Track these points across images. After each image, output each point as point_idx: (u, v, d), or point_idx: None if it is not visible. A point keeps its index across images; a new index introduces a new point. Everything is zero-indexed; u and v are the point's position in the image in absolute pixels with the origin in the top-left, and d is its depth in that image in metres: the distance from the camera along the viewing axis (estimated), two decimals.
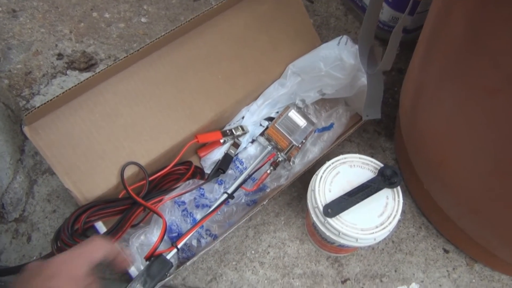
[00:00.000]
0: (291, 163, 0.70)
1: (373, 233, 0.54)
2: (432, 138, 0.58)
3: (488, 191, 0.52)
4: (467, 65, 0.46)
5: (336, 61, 0.67)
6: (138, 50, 0.59)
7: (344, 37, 0.70)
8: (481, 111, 0.46)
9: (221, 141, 0.70)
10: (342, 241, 0.56)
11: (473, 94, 0.46)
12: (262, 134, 0.71)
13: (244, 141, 0.72)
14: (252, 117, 0.72)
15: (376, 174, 0.57)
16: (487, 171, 0.50)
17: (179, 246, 0.60)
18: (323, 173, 0.58)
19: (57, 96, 0.55)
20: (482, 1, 0.41)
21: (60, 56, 0.85)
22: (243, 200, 0.68)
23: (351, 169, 0.59)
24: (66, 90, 0.56)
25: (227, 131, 0.71)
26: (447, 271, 0.68)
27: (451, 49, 0.49)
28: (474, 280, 0.68)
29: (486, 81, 0.43)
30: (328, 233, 0.56)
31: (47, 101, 0.55)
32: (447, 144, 0.56)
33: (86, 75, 0.83)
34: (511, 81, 0.40)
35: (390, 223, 0.55)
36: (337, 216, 0.55)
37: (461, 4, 0.45)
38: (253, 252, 0.68)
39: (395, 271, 0.68)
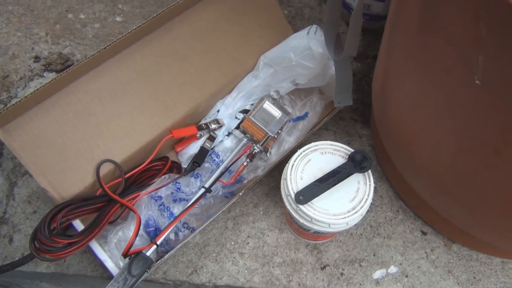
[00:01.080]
0: (267, 154, 0.71)
1: (345, 217, 0.55)
2: (400, 121, 0.59)
3: (454, 169, 0.53)
4: (424, 44, 0.47)
5: (305, 51, 0.68)
6: (105, 48, 0.60)
7: (314, 26, 0.70)
8: (440, 89, 0.47)
9: (197, 135, 0.71)
10: (316, 227, 0.56)
11: (432, 73, 0.47)
12: (237, 127, 0.72)
13: (220, 134, 0.73)
14: (227, 110, 0.73)
15: (347, 159, 0.58)
16: (451, 149, 0.51)
17: (158, 242, 0.60)
18: (294, 161, 0.59)
19: (26, 97, 0.56)
20: None
21: (37, 58, 0.86)
22: (220, 193, 0.68)
23: (323, 156, 0.59)
24: (35, 90, 0.56)
25: (203, 125, 0.71)
26: (425, 252, 0.69)
27: (410, 30, 0.49)
28: (452, 260, 0.69)
29: (442, 58, 0.44)
30: (301, 220, 0.57)
31: (17, 102, 0.55)
32: (413, 125, 0.57)
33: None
34: (463, 57, 0.41)
35: (362, 207, 0.56)
36: (309, 203, 0.56)
37: None
38: (232, 243, 0.69)
39: (374, 255, 0.69)
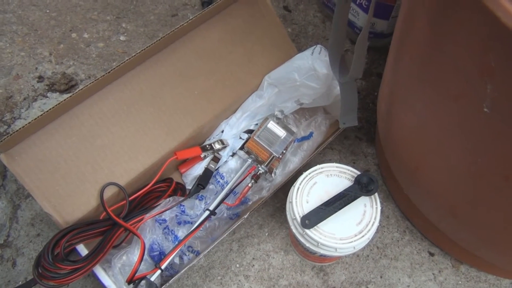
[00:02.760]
0: (272, 175, 0.71)
1: (352, 241, 0.55)
2: (406, 143, 0.59)
3: (462, 194, 0.52)
4: (432, 69, 0.46)
5: (309, 71, 0.68)
6: (110, 71, 0.59)
7: (318, 47, 0.70)
8: (448, 116, 0.46)
9: (202, 156, 0.71)
10: (322, 252, 0.56)
11: (439, 98, 0.47)
12: (242, 147, 0.71)
13: (224, 155, 0.72)
14: (231, 131, 0.73)
15: (353, 182, 0.58)
16: (460, 174, 0.50)
17: (163, 267, 0.60)
18: (300, 184, 0.58)
19: (30, 122, 0.55)
20: (441, 6, 0.41)
21: (40, 78, 0.86)
22: (225, 215, 0.68)
23: (328, 178, 0.59)
24: (39, 116, 0.56)
25: (207, 146, 0.71)
26: (433, 274, 0.68)
27: (417, 54, 0.49)
28: (460, 282, 0.68)
29: (449, 85, 0.44)
30: (307, 244, 0.56)
31: (21, 128, 0.55)
32: (420, 148, 0.56)
33: (66, 96, 0.83)
34: (471, 85, 0.40)
35: (369, 230, 0.55)
36: (316, 227, 0.55)
37: (423, 9, 0.45)
38: (237, 265, 0.68)
39: (381, 277, 0.68)
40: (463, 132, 0.45)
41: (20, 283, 0.67)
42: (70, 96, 0.58)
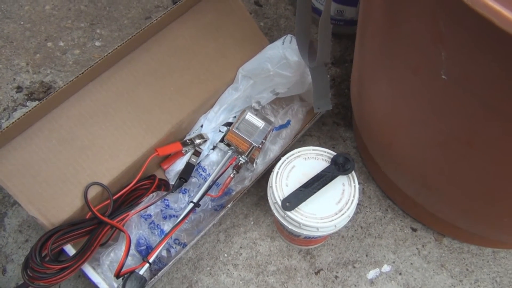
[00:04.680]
0: (254, 165, 0.72)
1: (332, 220, 0.56)
2: (378, 121, 0.60)
3: (432, 164, 0.54)
4: (391, 45, 0.48)
5: (281, 60, 0.69)
6: (83, 73, 0.60)
7: (288, 36, 0.72)
8: (411, 88, 0.48)
9: (183, 151, 0.72)
10: (305, 232, 0.57)
11: (401, 72, 0.48)
12: (222, 140, 0.73)
13: (205, 148, 0.73)
14: (210, 124, 0.74)
15: (330, 163, 0.59)
16: (427, 144, 0.52)
17: (150, 261, 0.61)
18: (278, 169, 0.59)
19: (7, 127, 0.56)
20: None
21: (19, 89, 0.86)
22: (209, 206, 0.69)
23: (306, 161, 0.60)
24: (16, 120, 0.57)
25: (187, 141, 0.72)
26: (417, 248, 0.70)
27: (377, 31, 0.51)
28: (444, 254, 0.70)
29: (408, 58, 0.45)
30: (290, 226, 0.57)
31: None
32: (390, 124, 0.58)
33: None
34: (427, 55, 0.42)
35: (349, 208, 0.57)
36: (297, 209, 0.56)
37: None
38: (226, 255, 0.69)
39: (366, 255, 0.70)
40: (426, 102, 0.47)
41: None
42: (46, 99, 0.59)
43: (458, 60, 0.38)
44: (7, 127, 0.56)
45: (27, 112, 0.58)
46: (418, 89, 0.47)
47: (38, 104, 0.58)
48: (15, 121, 0.57)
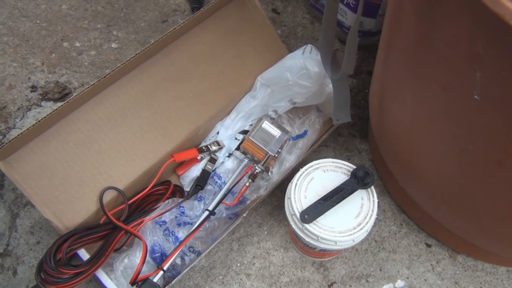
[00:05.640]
0: (269, 174, 0.71)
1: (351, 234, 0.55)
2: (399, 136, 0.60)
3: (455, 182, 0.54)
4: (420, 61, 0.48)
5: (301, 70, 0.69)
6: (105, 77, 0.60)
7: (309, 46, 0.71)
8: (438, 105, 0.48)
9: (198, 157, 0.71)
10: (322, 245, 0.56)
11: (429, 89, 0.48)
12: (237, 148, 0.72)
13: (220, 156, 0.73)
14: (227, 132, 0.74)
15: (349, 176, 0.59)
16: (452, 162, 0.52)
17: (165, 268, 0.60)
18: (297, 180, 0.59)
19: (28, 129, 0.56)
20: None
21: (33, 88, 0.86)
22: (224, 214, 0.68)
23: (325, 173, 0.60)
24: (36, 122, 0.56)
25: (203, 148, 0.72)
26: (431, 265, 0.70)
27: (405, 47, 0.50)
28: (458, 271, 0.69)
29: (438, 76, 0.45)
30: (307, 239, 0.57)
31: (18, 135, 0.55)
32: (413, 140, 0.57)
33: (60, 105, 0.83)
34: (460, 74, 0.41)
35: (367, 223, 0.56)
36: (315, 221, 0.56)
37: (410, 2, 0.46)
38: (238, 264, 0.69)
39: (380, 270, 0.69)
40: (454, 120, 0.46)
41: None
42: (66, 103, 0.59)
43: (494, 82, 0.37)
44: (27, 128, 0.56)
45: (47, 115, 0.57)
46: (446, 106, 0.46)
47: (58, 108, 0.58)
48: (35, 123, 0.56)
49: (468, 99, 0.41)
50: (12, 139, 0.55)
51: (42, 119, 0.57)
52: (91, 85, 0.60)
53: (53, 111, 0.58)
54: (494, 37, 0.34)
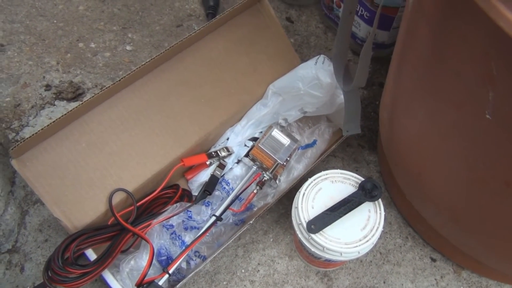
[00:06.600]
0: (277, 182, 0.72)
1: (356, 246, 0.56)
2: (409, 150, 0.60)
3: (465, 199, 0.54)
4: (433, 78, 0.48)
5: (313, 80, 0.69)
6: (120, 80, 0.61)
7: (321, 57, 0.72)
8: (450, 123, 0.48)
9: (207, 163, 0.72)
10: (327, 256, 0.57)
11: (441, 106, 0.48)
12: (247, 155, 0.73)
13: (229, 162, 0.73)
14: (236, 138, 0.74)
15: (357, 188, 0.59)
16: (461, 180, 0.52)
17: (170, 272, 0.61)
18: (305, 190, 0.59)
19: (42, 129, 0.57)
20: (442, 17, 0.43)
21: (48, 87, 0.87)
22: (231, 220, 0.69)
23: (333, 184, 0.60)
24: (51, 123, 0.57)
25: (213, 153, 0.72)
26: (435, 279, 0.69)
27: (419, 63, 0.51)
28: (462, 287, 0.69)
29: (451, 93, 0.45)
30: (313, 249, 0.57)
31: (33, 134, 0.56)
32: (422, 155, 0.57)
33: (73, 104, 0.85)
34: (473, 93, 0.42)
35: (373, 235, 0.56)
36: (321, 232, 0.56)
37: (425, 20, 0.47)
38: (243, 271, 0.69)
39: (384, 282, 0.69)
40: (465, 138, 0.47)
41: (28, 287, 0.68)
42: (81, 104, 0.60)
43: (507, 103, 0.38)
44: (41, 128, 0.57)
45: (62, 116, 0.58)
46: (458, 124, 0.46)
47: (73, 108, 0.59)
48: (49, 124, 0.57)
49: (479, 118, 0.41)
50: (27, 138, 0.56)
51: (56, 119, 0.58)
52: (106, 87, 0.61)
53: (67, 112, 0.59)
54: (509, 60, 0.35)
